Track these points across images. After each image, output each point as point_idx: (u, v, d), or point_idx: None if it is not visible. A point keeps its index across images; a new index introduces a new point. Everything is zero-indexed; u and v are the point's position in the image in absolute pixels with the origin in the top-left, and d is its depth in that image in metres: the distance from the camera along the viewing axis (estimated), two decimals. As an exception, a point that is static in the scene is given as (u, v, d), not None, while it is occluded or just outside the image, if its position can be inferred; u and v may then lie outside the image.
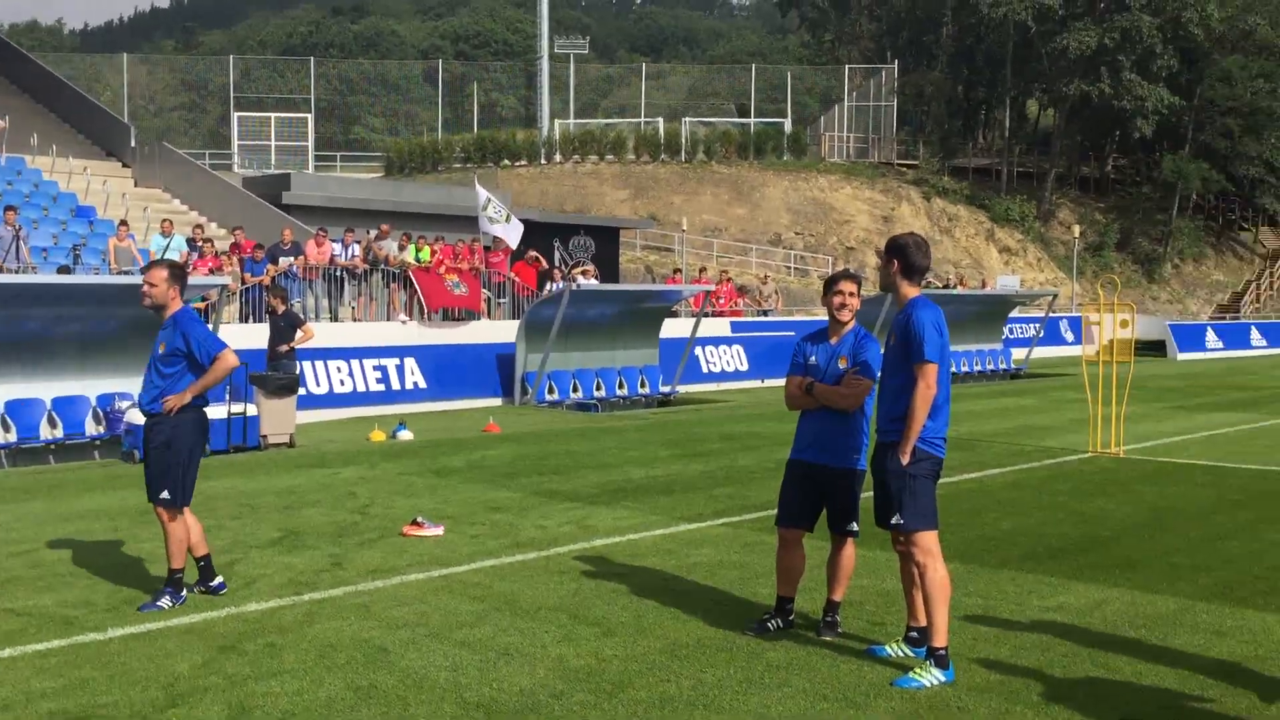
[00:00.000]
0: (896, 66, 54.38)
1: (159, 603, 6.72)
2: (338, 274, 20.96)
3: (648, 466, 12.56)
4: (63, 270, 18.49)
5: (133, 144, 28.15)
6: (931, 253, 6.18)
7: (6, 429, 13.15)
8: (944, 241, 47.59)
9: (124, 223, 20.78)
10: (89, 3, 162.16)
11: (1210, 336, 38.80)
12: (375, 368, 18.53)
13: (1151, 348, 35.51)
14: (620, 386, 20.72)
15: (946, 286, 34.84)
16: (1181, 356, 35.87)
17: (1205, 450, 14.04)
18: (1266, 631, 6.28)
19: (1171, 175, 51.50)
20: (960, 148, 56.15)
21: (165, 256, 19.50)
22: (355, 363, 18.25)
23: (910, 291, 5.75)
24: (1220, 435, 15.68)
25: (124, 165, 27.82)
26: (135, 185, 27.00)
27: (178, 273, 7.05)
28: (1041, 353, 32.41)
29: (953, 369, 26.34)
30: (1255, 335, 40.56)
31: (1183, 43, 49.72)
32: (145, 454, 6.92)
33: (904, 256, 5.72)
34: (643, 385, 21.02)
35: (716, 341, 24.71)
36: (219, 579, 7.08)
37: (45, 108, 29.79)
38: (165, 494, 6.79)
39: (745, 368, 24.77)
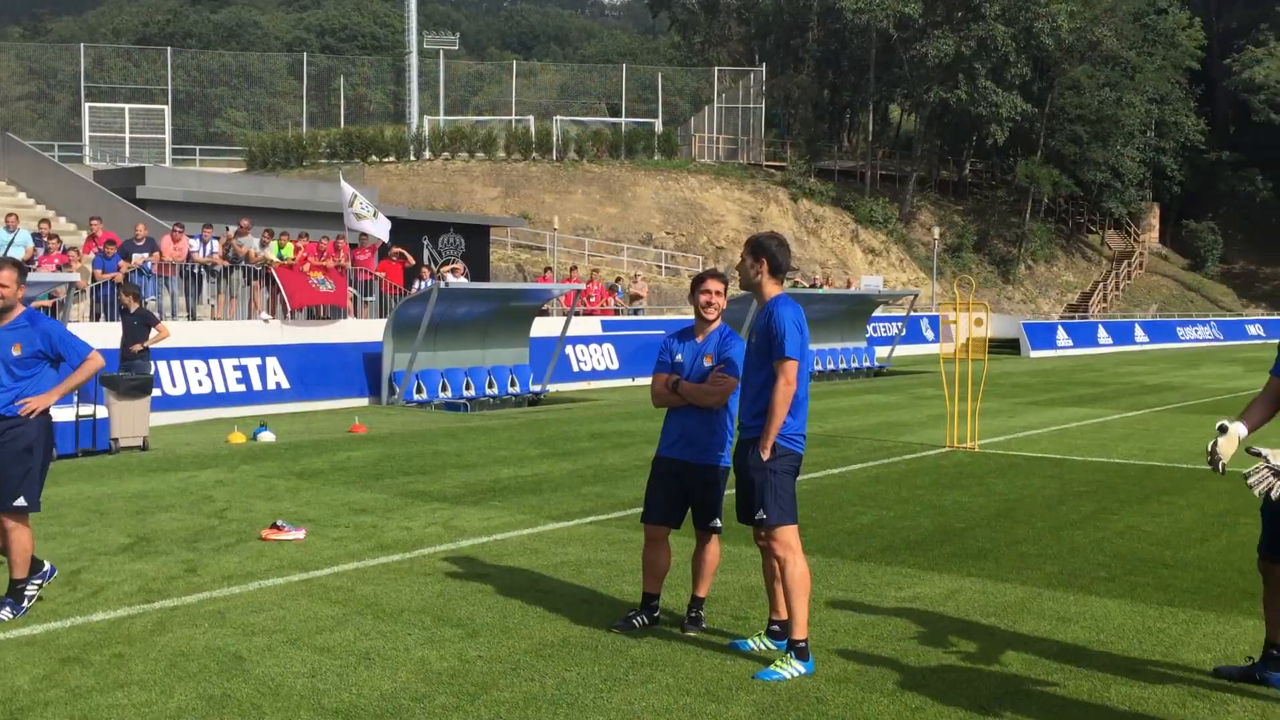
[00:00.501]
0: (764, 69, 55.27)
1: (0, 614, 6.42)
2: (195, 271, 20.30)
3: (516, 466, 12.50)
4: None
5: (-25, 134, 26.79)
6: (792, 253, 6.29)
7: None
8: (810, 242, 48.57)
9: (-37, 216, 19.74)
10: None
11: (1061, 335, 40.46)
12: (235, 367, 18.00)
13: (1006, 346, 36.88)
14: (490, 386, 20.56)
15: (813, 286, 35.57)
16: (1034, 354, 37.31)
17: (1054, 444, 14.64)
18: (1107, 617, 6.57)
19: (1024, 180, 53.63)
20: (826, 150, 57.39)
21: (9, 252, 18.61)
22: (214, 362, 17.70)
23: (773, 290, 5.84)
24: (1069, 429, 16.36)
25: (-36, 156, 26.45)
26: (-23, 177, 25.72)
27: (25, 272, 6.78)
28: (904, 351, 33.36)
29: (819, 367, 26.61)
30: (1102, 334, 42.46)
31: (1035, 52, 51.77)
32: None
33: (770, 256, 5.81)
34: (513, 384, 20.89)
35: (587, 340, 24.73)
36: (46, 565, 6.82)
37: (-124, 93, 28.11)
38: (21, 500, 6.51)
39: (616, 366, 24.84)
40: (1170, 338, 45.81)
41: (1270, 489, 4.87)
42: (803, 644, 5.56)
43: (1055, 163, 54.08)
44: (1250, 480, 4.95)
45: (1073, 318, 48.85)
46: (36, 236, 19.48)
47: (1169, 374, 28.89)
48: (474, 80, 68.64)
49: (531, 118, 49.97)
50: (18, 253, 18.78)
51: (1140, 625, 6.40)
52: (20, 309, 6.67)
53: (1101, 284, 57.91)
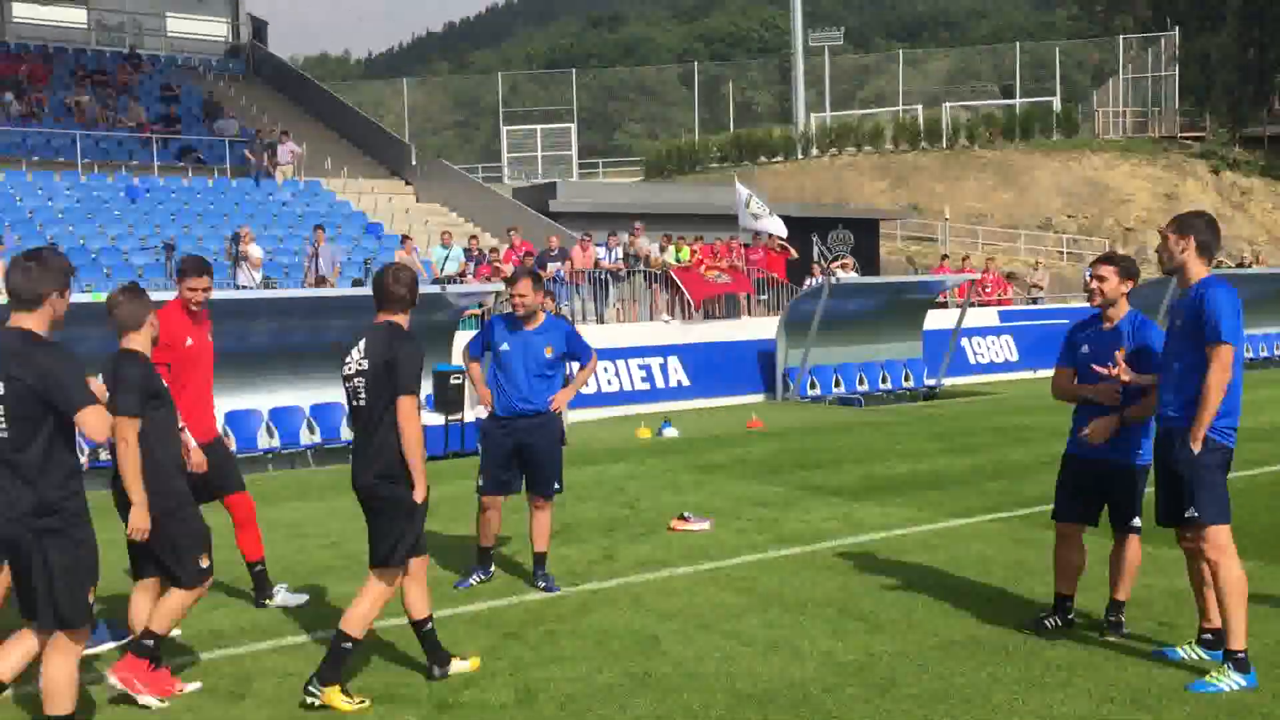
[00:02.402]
0: (1178, 33, 50.75)
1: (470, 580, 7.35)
2: (602, 277, 21.65)
3: (914, 460, 12.32)
4: (356, 283, 19.95)
5: (413, 162, 30.04)
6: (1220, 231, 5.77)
7: (312, 430, 14.36)
8: (1236, 218, 44.03)
9: (407, 237, 22.20)
10: (371, 33, 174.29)
11: None
12: (640, 367, 19.04)
13: None
14: (883, 380, 20.39)
15: (1240, 265, 32.26)
16: None
17: None
18: None
19: None
20: (1253, 116, 51.79)
21: (445, 267, 20.74)
22: (621, 362, 18.80)
23: (1200, 271, 5.41)
24: None
25: (406, 183, 29.73)
26: (416, 201, 28.81)
27: (539, 279, 7.43)
28: (1355, 334, 29.41)
29: (1249, 354, 23.83)
30: None
31: None
32: (537, 450, 7.17)
33: (1197, 234, 5.40)
34: (906, 378, 20.60)
35: (984, 332, 23.87)
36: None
37: (337, 133, 32.28)
38: (558, 485, 7.29)
39: (1015, 358, 23.81)
40: None
41: None
42: (1242, 655, 5.11)
43: None
44: None
45: None
46: (467, 251, 21.57)
47: None
48: (859, 73, 68.15)
49: (919, 107, 48.89)
50: (452, 267, 20.86)
51: None
52: (543, 315, 7.33)
53: None
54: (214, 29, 37.93)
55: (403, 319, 5.52)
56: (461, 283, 19.55)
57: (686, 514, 9.22)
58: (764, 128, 49.22)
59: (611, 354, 18.75)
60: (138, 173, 25.68)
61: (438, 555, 8.23)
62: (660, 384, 19.13)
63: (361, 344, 5.45)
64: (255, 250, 19.42)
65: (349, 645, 5.26)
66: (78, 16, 35.42)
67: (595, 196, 29.01)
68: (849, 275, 23.70)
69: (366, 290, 8.46)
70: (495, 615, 6.74)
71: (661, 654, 5.86)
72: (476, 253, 21.55)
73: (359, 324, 5.64)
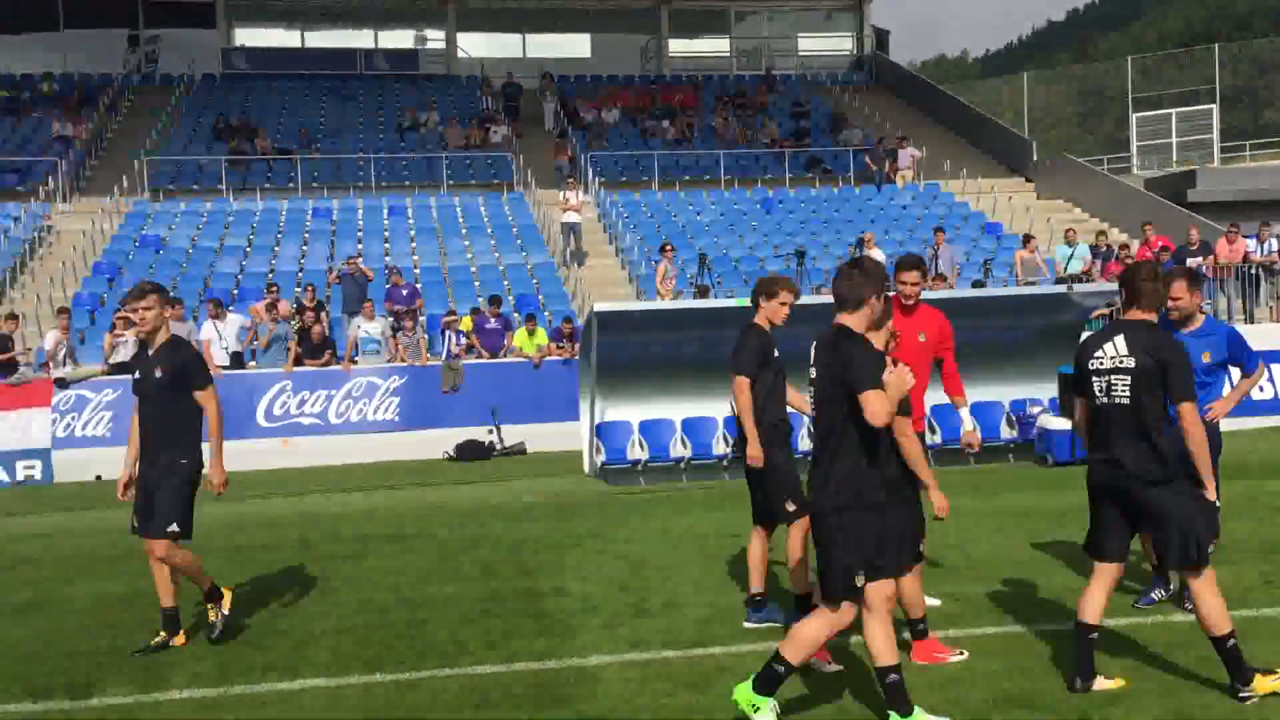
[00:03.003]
0: None
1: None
2: (1252, 271, 19.51)
3: None
4: (976, 284, 19.87)
5: (1034, 158, 29.22)
6: None
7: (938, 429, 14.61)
8: None
9: (1029, 236, 21.66)
10: (987, 30, 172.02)
11: None
12: (1303, 371, 16.88)
13: None
14: None
15: None
16: None
17: None
18: None
19: None
20: None
21: (1068, 267, 19.96)
22: (1276, 366, 16.79)
23: None
24: None
25: (1026, 180, 29.01)
26: (1037, 198, 28.01)
27: (1198, 280, 7.06)
28: None
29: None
30: None
31: None
32: None
33: None
34: None
35: None
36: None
37: (954, 134, 32.36)
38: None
39: None
40: None
41: None
42: None
43: None
44: None
45: None
46: (1094, 248, 20.55)
47: None
48: None
49: None
50: (1076, 266, 19.99)
51: None
52: (1202, 317, 6.90)
53: None
54: (840, 44, 39.82)
55: (1153, 316, 5.57)
56: (1087, 281, 18.72)
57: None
58: None
59: (1266, 357, 16.74)
60: (771, 185, 27.77)
61: (1076, 565, 8.05)
62: (1326, 392, 16.81)
63: (1119, 339, 5.47)
64: (878, 254, 20.11)
65: (1232, 643, 5.31)
66: (722, 46, 39.06)
67: (1242, 183, 26.26)
68: None
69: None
70: (1136, 632, 6.40)
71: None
72: (1104, 249, 20.46)
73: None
